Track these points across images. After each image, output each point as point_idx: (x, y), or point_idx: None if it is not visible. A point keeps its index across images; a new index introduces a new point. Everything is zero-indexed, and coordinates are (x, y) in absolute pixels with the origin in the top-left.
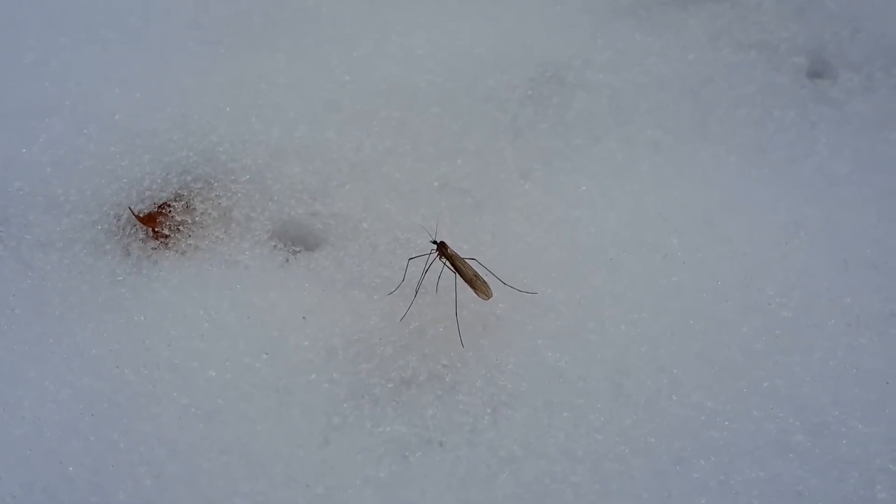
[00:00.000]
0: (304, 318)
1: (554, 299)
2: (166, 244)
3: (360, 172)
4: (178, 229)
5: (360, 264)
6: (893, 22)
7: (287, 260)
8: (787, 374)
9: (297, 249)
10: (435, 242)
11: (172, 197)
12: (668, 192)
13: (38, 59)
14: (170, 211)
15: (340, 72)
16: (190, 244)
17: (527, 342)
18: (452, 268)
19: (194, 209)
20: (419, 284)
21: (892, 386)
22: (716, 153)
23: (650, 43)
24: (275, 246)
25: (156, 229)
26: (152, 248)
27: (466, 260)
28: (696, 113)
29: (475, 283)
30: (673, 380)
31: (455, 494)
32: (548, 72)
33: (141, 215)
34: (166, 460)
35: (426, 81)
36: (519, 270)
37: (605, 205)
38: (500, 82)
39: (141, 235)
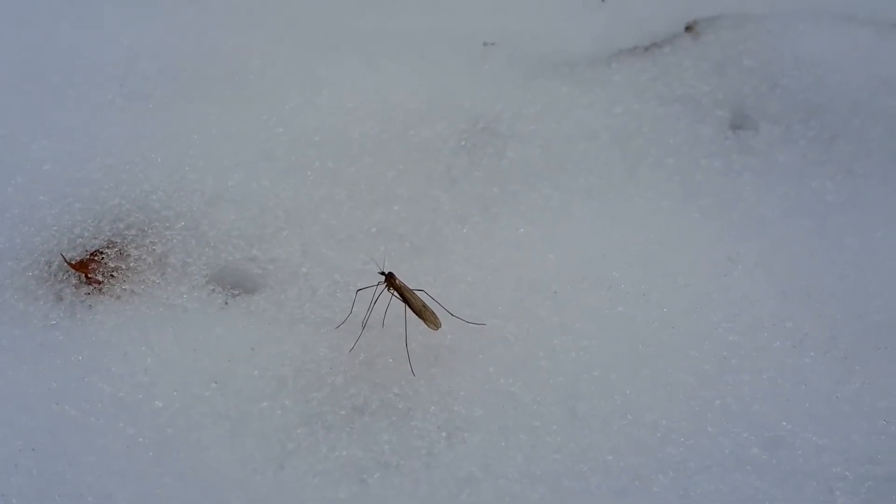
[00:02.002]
0: (252, 349)
1: (503, 330)
2: (100, 289)
3: (297, 219)
4: (111, 275)
5: (301, 306)
6: (807, 79)
7: (226, 303)
8: (737, 393)
9: (237, 293)
10: (383, 273)
11: (105, 244)
12: (605, 233)
13: None
14: (102, 258)
15: (273, 123)
16: (125, 289)
17: (478, 370)
18: (401, 298)
19: (128, 255)
20: (367, 315)
21: (841, 400)
22: (648, 198)
23: (578, 96)
24: (213, 290)
25: (89, 275)
26: (86, 294)
27: (415, 291)
28: (625, 161)
29: (424, 313)
30: (626, 401)
31: None
32: (479, 123)
33: (73, 262)
34: (116, 488)
35: (359, 133)
36: (465, 306)
37: (545, 246)
38: (433, 133)
39: (73, 281)
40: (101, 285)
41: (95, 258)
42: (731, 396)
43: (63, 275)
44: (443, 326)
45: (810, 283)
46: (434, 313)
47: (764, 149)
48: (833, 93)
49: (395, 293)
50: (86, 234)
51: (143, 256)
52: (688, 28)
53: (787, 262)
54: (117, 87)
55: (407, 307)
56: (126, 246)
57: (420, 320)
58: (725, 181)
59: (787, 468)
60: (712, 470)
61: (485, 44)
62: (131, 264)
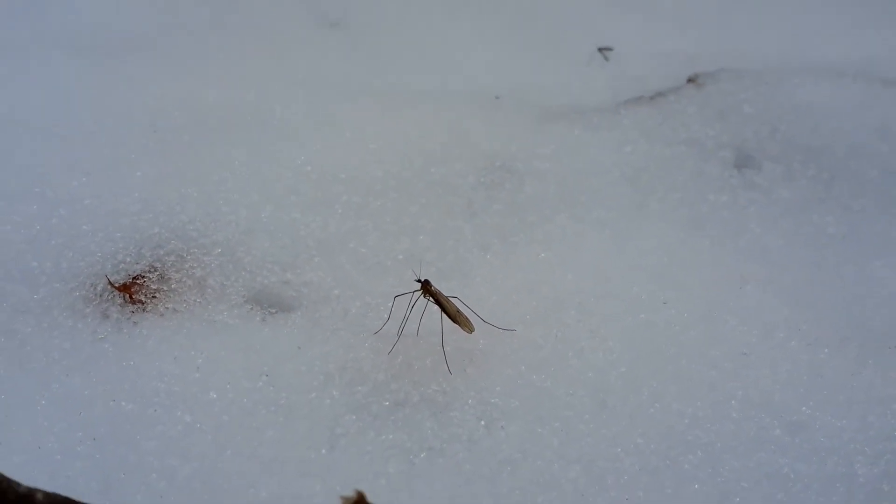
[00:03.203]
0: (298, 347)
1: (532, 334)
2: (144, 308)
3: (327, 248)
4: (153, 296)
5: (335, 324)
6: (805, 124)
7: (264, 319)
8: (757, 385)
9: (273, 311)
10: (419, 281)
11: (147, 269)
12: (620, 257)
13: (1, 153)
14: (144, 281)
15: (300, 163)
16: (168, 307)
17: (511, 369)
18: (437, 303)
19: (169, 279)
20: (405, 318)
21: (856, 389)
22: (658, 228)
23: (588, 138)
24: (251, 308)
25: (133, 296)
26: (131, 312)
27: (449, 298)
28: (635, 196)
29: (458, 318)
30: (653, 393)
31: (462, 487)
32: (496, 161)
33: (117, 284)
34: (179, 465)
35: (381, 171)
36: (493, 318)
37: (564, 269)
38: (452, 171)
39: (119, 301)
40: (145, 305)
41: (138, 281)
42: (752, 388)
43: (108, 295)
44: (475, 332)
45: (817, 299)
46: (468, 318)
47: (767, 185)
48: (829, 138)
49: (431, 299)
50: (128, 260)
51: (184, 279)
52: (690, 80)
53: (794, 282)
54: (149, 132)
55: (442, 312)
56: (166, 270)
57: (454, 326)
58: (731, 214)
59: (808, 447)
60: (738, 450)
61: (497, 97)
62: (172, 286)
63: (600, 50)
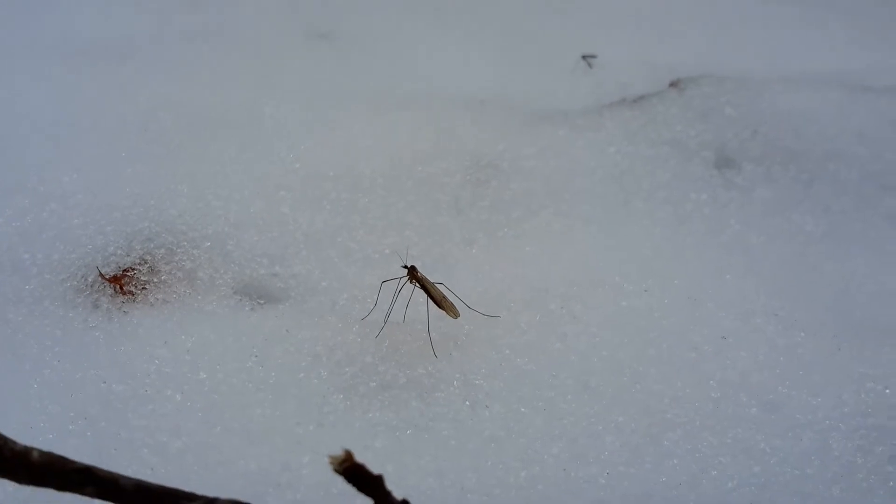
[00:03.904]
0: (287, 331)
1: (516, 321)
2: (134, 299)
3: (315, 242)
4: (143, 287)
5: (323, 313)
6: (785, 128)
7: (252, 309)
8: (736, 367)
9: (262, 302)
10: (406, 267)
11: (137, 261)
12: (605, 251)
13: None
14: (135, 273)
15: (289, 160)
16: (158, 298)
17: (496, 353)
18: (423, 289)
19: (159, 271)
20: (392, 303)
21: (831, 369)
22: (642, 224)
23: (573, 138)
24: (240, 299)
25: (123, 287)
26: (121, 302)
27: (435, 284)
28: (619, 194)
29: (444, 303)
30: (634, 375)
31: (447, 462)
32: (482, 160)
33: (107, 276)
34: (170, 441)
35: (370, 169)
36: (478, 307)
37: (549, 261)
38: (439, 169)
39: (109, 293)
40: (135, 296)
41: (128, 273)
42: (731, 370)
43: (99, 286)
44: (460, 318)
45: (795, 290)
46: (453, 304)
47: (747, 185)
48: (809, 141)
49: (417, 285)
50: (118, 253)
51: (173, 271)
52: (672, 85)
53: (774, 275)
54: (140, 132)
55: (428, 298)
56: (156, 263)
57: (440, 312)
58: (713, 211)
59: (784, 424)
60: (716, 428)
61: (482, 102)
62: (162, 278)
63: (584, 57)
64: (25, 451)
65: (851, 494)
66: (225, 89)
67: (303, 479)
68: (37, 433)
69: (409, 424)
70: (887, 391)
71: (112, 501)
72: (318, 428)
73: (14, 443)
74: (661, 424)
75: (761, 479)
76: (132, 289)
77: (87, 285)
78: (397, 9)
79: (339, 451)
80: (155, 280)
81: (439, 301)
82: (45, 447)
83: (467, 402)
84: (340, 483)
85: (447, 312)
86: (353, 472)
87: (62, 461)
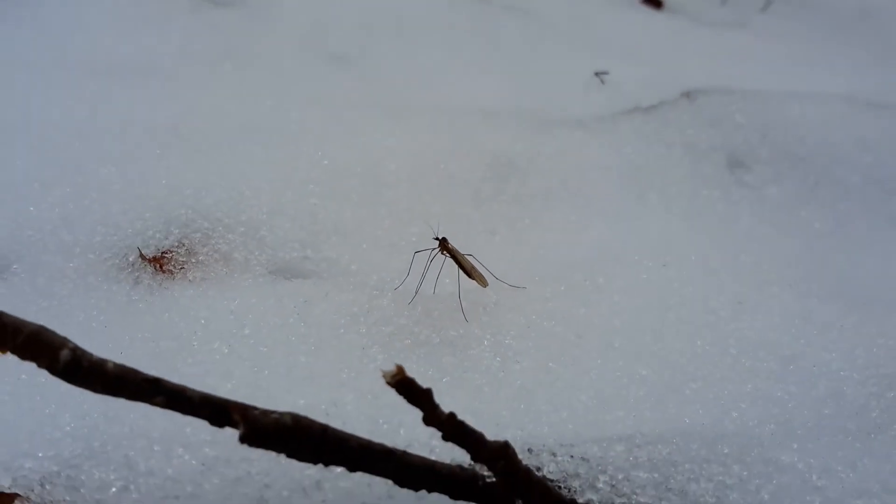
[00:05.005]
0: (326, 294)
1: (542, 291)
2: (174, 277)
3: (344, 230)
4: (182, 267)
5: (356, 286)
6: (792, 134)
7: (289, 280)
8: (753, 327)
9: (296, 280)
10: (437, 238)
11: (175, 244)
12: (623, 236)
13: (35, 144)
14: (173, 255)
15: (318, 157)
16: (196, 276)
17: (523, 318)
18: (454, 259)
19: (196, 252)
20: (425, 272)
21: (844, 329)
22: (657, 216)
23: (588, 140)
24: (275, 279)
25: (163, 266)
26: (162, 279)
27: (465, 255)
28: (634, 190)
29: (473, 273)
30: (656, 335)
31: (482, 405)
32: (502, 159)
33: (148, 257)
34: (220, 383)
35: (394, 165)
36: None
37: (569, 246)
38: (461, 167)
39: (150, 271)
40: (174, 275)
41: (167, 255)
42: (748, 329)
43: (140, 265)
44: (488, 287)
45: (808, 270)
46: (482, 274)
47: (757, 184)
48: (815, 147)
49: (448, 255)
50: (157, 236)
51: (210, 253)
52: (683, 95)
53: (787, 257)
54: (172, 134)
55: (459, 268)
56: (194, 245)
57: (469, 282)
58: (725, 207)
59: (800, 375)
60: (735, 379)
61: (497, 111)
62: (200, 259)
63: (597, 74)
64: (101, 362)
65: (865, 427)
66: (250, 100)
67: (349, 413)
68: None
69: (444, 374)
70: None
71: (179, 411)
72: (359, 374)
73: (91, 354)
74: (682, 376)
75: (780, 419)
76: (171, 268)
77: (128, 264)
78: (411, 33)
79: (391, 367)
80: (193, 261)
81: (469, 271)
82: (95, 398)
83: (498, 359)
84: (386, 414)
85: (477, 281)
86: (404, 384)
87: (134, 372)
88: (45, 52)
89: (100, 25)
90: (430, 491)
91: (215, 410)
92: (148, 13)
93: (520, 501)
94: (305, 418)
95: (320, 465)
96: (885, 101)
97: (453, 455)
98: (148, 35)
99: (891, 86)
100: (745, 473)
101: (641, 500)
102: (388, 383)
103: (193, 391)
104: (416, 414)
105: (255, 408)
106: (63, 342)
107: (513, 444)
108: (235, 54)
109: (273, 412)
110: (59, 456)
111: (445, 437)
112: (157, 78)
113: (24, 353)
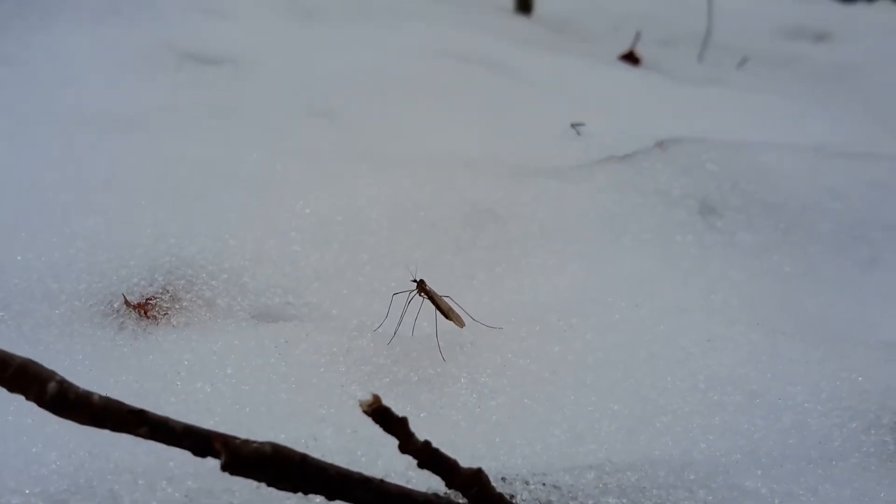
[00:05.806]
0: (306, 334)
1: (518, 330)
2: (158, 323)
3: (326, 276)
4: (166, 313)
5: (333, 335)
6: (763, 182)
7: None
8: (722, 363)
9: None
10: (415, 280)
11: (159, 291)
12: (597, 280)
13: (22, 194)
14: (157, 301)
15: (299, 207)
16: (180, 321)
17: (499, 356)
18: (431, 301)
19: (180, 299)
20: (402, 314)
21: (810, 363)
22: (631, 260)
23: (564, 188)
24: (257, 323)
25: (147, 312)
26: (146, 325)
27: (442, 297)
28: (609, 234)
29: (451, 314)
30: (628, 371)
31: (459, 439)
32: (480, 206)
33: (133, 303)
34: (202, 419)
35: (376, 213)
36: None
37: (545, 289)
38: (441, 214)
39: (134, 317)
40: (158, 320)
41: (151, 301)
42: (717, 365)
43: (124, 311)
44: (465, 328)
45: (778, 309)
46: (459, 316)
47: (729, 230)
48: (785, 195)
49: (426, 297)
50: (142, 283)
51: (194, 299)
52: (657, 145)
53: (758, 297)
54: (158, 183)
55: (436, 309)
56: (178, 292)
57: (447, 323)
58: (697, 251)
59: (766, 407)
60: (704, 412)
61: (476, 160)
62: (184, 304)
63: (573, 125)
64: (87, 394)
65: (828, 455)
66: (234, 152)
67: (328, 446)
68: (73, 425)
69: (422, 410)
70: (860, 379)
71: (163, 441)
72: (338, 410)
73: (77, 387)
74: (653, 410)
75: (746, 449)
76: (156, 314)
77: (113, 310)
78: (394, 89)
79: (367, 396)
80: (177, 306)
81: (446, 312)
82: (81, 436)
83: (475, 395)
84: (364, 447)
85: (454, 322)
86: (380, 413)
87: (118, 403)
88: (33, 103)
89: (87, 79)
90: None
91: (198, 440)
92: (135, 69)
93: None
94: (285, 447)
95: (300, 494)
96: (854, 152)
97: (429, 484)
98: (134, 89)
99: (860, 137)
100: (710, 498)
101: None
102: (365, 412)
103: (176, 422)
104: (393, 446)
105: (236, 437)
106: (50, 375)
107: (487, 473)
108: (220, 109)
109: (254, 441)
110: (46, 492)
111: (421, 465)
112: (143, 130)
113: (13, 385)
